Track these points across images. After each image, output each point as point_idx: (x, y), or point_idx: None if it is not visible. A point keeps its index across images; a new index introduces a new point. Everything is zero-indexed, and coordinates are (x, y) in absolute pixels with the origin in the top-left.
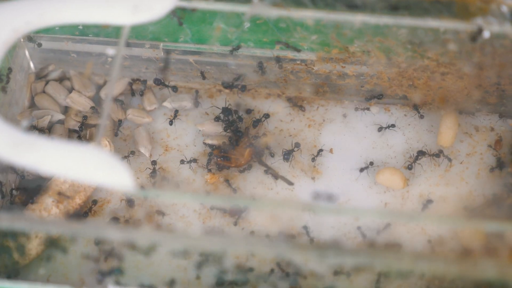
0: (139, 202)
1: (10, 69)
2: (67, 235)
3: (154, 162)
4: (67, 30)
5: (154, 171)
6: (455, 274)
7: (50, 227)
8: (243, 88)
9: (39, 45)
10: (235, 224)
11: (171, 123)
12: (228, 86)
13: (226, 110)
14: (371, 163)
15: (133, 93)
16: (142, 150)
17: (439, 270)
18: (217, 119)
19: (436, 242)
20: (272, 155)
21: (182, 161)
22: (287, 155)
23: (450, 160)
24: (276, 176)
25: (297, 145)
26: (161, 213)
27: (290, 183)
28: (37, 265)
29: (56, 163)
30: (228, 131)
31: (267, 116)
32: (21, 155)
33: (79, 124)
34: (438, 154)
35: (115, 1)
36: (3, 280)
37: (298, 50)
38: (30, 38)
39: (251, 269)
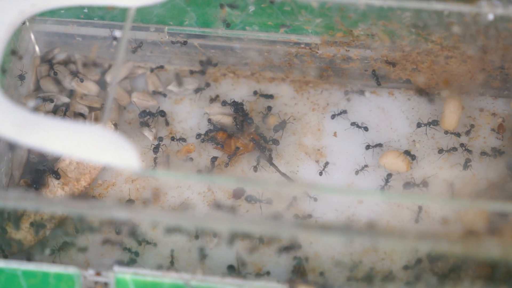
0: (144, 184)
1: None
2: (74, 216)
3: (160, 139)
4: (72, 13)
5: (157, 146)
6: (459, 254)
7: (57, 207)
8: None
9: None
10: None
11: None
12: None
13: (236, 106)
14: (379, 145)
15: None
16: (146, 133)
17: (443, 251)
18: (224, 103)
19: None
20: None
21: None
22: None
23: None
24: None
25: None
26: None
27: (291, 181)
28: (42, 246)
29: (62, 144)
30: (238, 113)
31: (270, 108)
32: (27, 135)
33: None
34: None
35: None
36: (10, 260)
37: None
38: None
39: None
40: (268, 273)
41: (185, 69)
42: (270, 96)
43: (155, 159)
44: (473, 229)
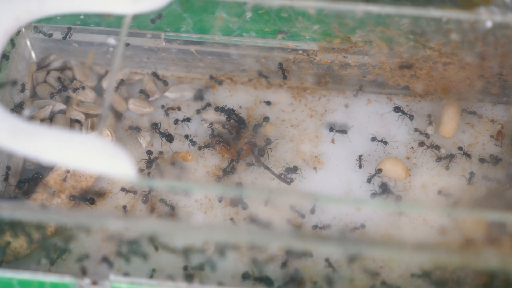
0: (140, 191)
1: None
2: (70, 224)
3: (149, 152)
4: (68, 19)
5: (149, 161)
6: (457, 264)
7: (52, 216)
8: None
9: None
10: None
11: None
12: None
13: (228, 113)
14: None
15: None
16: (141, 140)
17: (441, 260)
18: (217, 109)
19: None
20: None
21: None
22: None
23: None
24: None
25: (268, 141)
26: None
27: (288, 183)
28: (38, 255)
29: (58, 152)
30: (231, 120)
31: (267, 119)
32: (23, 143)
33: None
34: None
35: None
36: (5, 270)
37: None
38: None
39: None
40: (267, 279)
41: (182, 76)
42: (343, 131)
43: (148, 174)
44: (472, 238)
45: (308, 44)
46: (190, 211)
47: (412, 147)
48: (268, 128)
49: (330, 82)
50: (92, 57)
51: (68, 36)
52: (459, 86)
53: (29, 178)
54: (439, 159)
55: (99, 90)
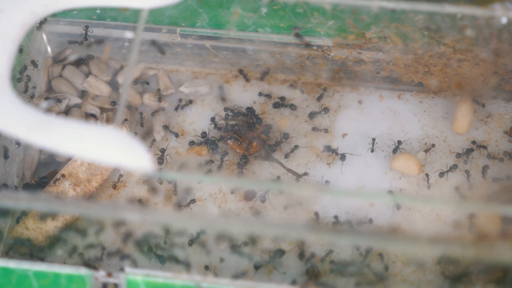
0: (155, 184)
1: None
2: (85, 216)
3: (162, 150)
4: (84, 14)
5: (161, 157)
6: (470, 258)
7: (69, 208)
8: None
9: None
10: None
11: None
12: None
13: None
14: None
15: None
16: (155, 135)
17: (454, 254)
18: (226, 110)
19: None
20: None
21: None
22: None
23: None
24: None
25: (286, 135)
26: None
27: (298, 176)
28: (54, 247)
29: (74, 144)
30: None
31: (286, 135)
32: (39, 135)
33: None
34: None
35: None
36: (21, 261)
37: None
38: None
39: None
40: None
41: (196, 71)
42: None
43: (160, 170)
44: (485, 233)
45: (323, 40)
46: (204, 204)
47: (426, 143)
48: (283, 122)
49: (344, 78)
50: (108, 52)
51: (87, 36)
52: (473, 82)
53: (36, 184)
54: (459, 155)
55: (114, 85)
